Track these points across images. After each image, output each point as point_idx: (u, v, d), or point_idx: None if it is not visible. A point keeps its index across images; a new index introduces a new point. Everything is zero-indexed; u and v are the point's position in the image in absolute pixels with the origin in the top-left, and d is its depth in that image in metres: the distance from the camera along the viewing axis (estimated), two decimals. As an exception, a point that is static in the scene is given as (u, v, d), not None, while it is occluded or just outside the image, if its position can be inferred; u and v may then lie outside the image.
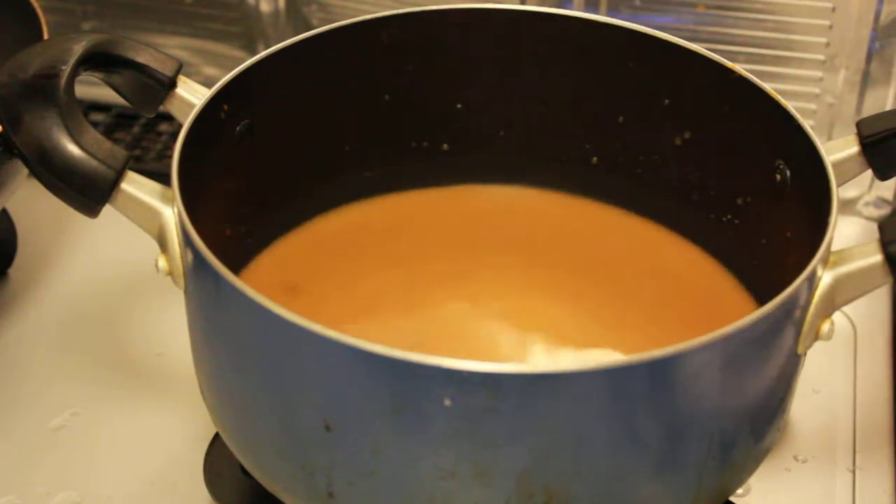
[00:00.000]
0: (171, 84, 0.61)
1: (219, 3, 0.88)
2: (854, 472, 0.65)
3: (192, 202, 0.54)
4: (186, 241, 0.54)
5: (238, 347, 0.53)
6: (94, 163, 0.55)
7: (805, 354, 0.56)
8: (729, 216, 0.66)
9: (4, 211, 0.76)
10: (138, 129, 0.88)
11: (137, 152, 0.85)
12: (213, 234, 0.56)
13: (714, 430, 0.53)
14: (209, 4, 0.88)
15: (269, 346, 0.51)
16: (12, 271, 0.76)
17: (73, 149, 0.55)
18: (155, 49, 0.61)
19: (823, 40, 0.78)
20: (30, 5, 0.71)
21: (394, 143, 0.69)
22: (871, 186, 0.81)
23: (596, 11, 0.80)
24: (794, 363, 0.55)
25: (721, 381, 0.51)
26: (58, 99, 0.56)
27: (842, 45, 0.78)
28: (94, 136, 0.56)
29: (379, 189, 0.70)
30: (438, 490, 0.51)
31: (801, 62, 0.79)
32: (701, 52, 0.63)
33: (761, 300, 0.63)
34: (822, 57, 0.79)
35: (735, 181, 0.65)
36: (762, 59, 0.80)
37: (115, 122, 0.88)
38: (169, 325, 0.71)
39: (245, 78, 0.61)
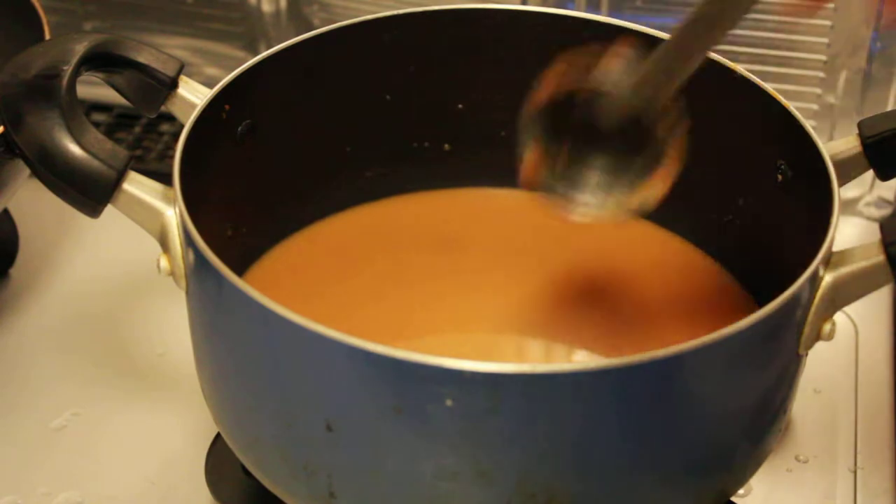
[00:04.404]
0: (173, 84, 0.61)
1: (220, 4, 0.88)
2: (855, 473, 0.65)
3: (194, 202, 0.54)
4: (188, 241, 0.54)
5: (239, 347, 0.53)
6: (95, 163, 0.55)
7: (806, 355, 0.56)
8: (729, 216, 0.66)
9: (6, 211, 0.76)
10: (140, 130, 0.88)
11: (139, 152, 0.85)
12: (215, 234, 0.56)
13: (715, 431, 0.53)
14: (211, 4, 0.88)
15: (271, 347, 0.51)
16: (14, 271, 0.76)
17: (74, 149, 0.55)
18: (156, 49, 0.61)
19: (825, 40, 0.78)
20: (31, 5, 0.71)
21: (395, 143, 0.69)
22: (872, 186, 0.81)
23: (597, 12, 0.80)
24: (795, 363, 0.55)
25: (722, 381, 0.51)
26: (59, 99, 0.56)
27: (843, 45, 0.78)
28: (95, 136, 0.56)
29: (380, 189, 0.70)
30: (439, 490, 0.51)
31: (802, 62, 0.79)
32: (702, 52, 0.63)
33: (762, 301, 0.62)
34: (823, 57, 0.79)
35: (735, 181, 0.65)
36: (763, 59, 0.79)
37: (117, 123, 0.88)
38: (170, 326, 0.71)
39: (247, 78, 0.61)
